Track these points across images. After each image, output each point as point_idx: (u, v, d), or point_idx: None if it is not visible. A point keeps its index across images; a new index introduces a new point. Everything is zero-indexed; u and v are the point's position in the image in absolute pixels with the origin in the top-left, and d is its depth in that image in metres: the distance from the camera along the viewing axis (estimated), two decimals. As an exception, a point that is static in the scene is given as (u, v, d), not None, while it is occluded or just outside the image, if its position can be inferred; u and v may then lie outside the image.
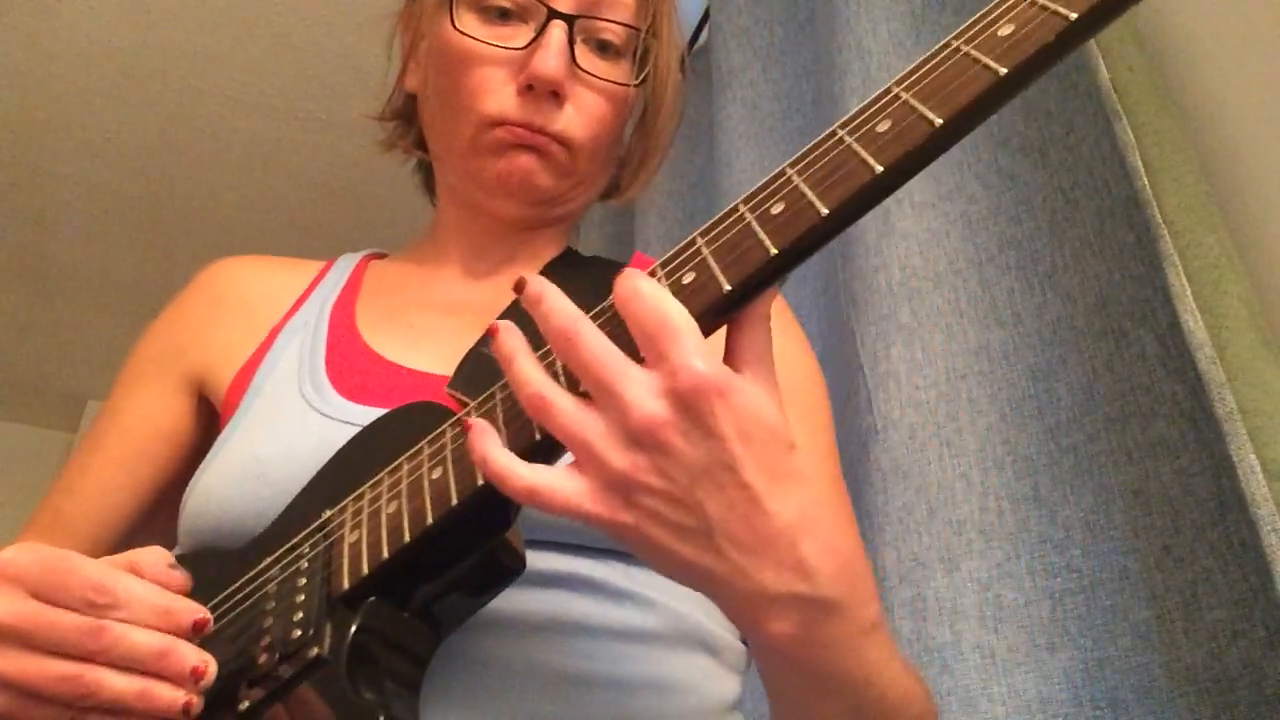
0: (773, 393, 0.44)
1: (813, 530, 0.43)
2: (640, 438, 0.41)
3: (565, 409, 0.43)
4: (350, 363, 0.70)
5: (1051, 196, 0.82)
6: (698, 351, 0.41)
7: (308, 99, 2.06)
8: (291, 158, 2.20)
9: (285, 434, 0.65)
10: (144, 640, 0.48)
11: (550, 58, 0.69)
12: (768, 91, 1.26)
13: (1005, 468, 0.80)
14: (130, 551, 0.53)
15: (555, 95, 0.71)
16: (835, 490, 0.69)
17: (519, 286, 0.47)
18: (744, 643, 0.69)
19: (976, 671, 0.75)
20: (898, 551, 0.82)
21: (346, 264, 0.84)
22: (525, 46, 0.71)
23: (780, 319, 0.76)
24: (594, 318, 0.47)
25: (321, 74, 2.00)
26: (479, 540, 0.51)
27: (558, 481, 0.43)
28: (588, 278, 0.74)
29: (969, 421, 0.83)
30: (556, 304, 0.45)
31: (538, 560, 0.56)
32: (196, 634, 0.50)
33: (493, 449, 0.45)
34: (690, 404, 0.41)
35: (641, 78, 0.77)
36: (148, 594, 0.50)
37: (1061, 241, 0.81)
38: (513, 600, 0.55)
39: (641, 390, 0.41)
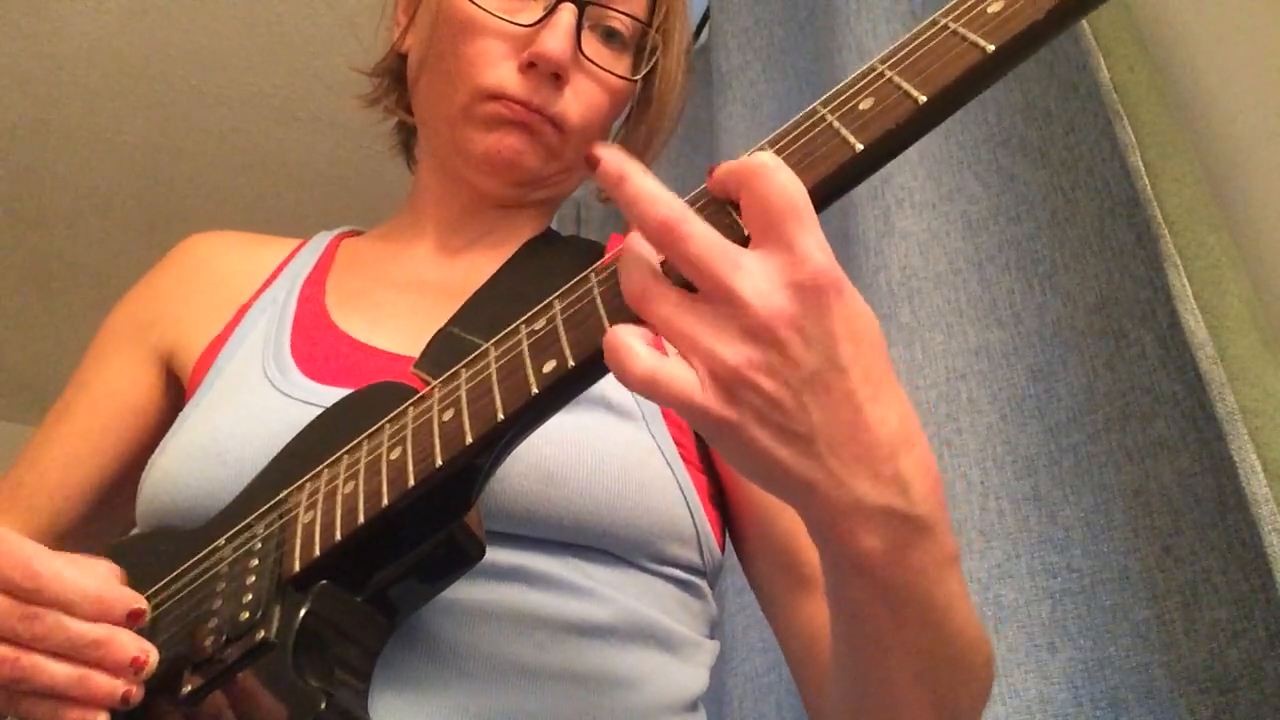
0: None
1: (912, 444, 0.41)
2: (757, 332, 0.38)
3: (670, 298, 0.40)
4: (316, 342, 0.69)
5: (1051, 196, 0.82)
6: (821, 244, 0.39)
7: (308, 99, 2.06)
8: (291, 158, 2.20)
9: (245, 413, 0.64)
10: (81, 629, 0.47)
11: (557, 39, 0.68)
12: (768, 91, 1.26)
13: (1005, 468, 0.80)
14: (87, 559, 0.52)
15: (556, 77, 0.70)
16: None
17: (592, 160, 0.42)
18: (711, 638, 0.68)
19: (976, 671, 0.75)
20: (898, 551, 0.82)
21: (320, 241, 0.83)
22: (533, 24, 0.70)
23: None
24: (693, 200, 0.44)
25: (321, 74, 2.00)
26: (436, 524, 0.49)
27: (673, 369, 0.40)
28: (566, 256, 0.74)
29: (969, 421, 0.83)
30: (652, 191, 0.41)
31: (494, 553, 0.56)
32: (132, 624, 0.49)
33: (626, 328, 0.41)
34: (812, 298, 0.38)
35: (642, 74, 0.77)
36: (80, 580, 0.49)
37: (1061, 241, 0.81)
38: (466, 590, 0.55)
39: (761, 282, 0.38)
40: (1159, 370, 0.71)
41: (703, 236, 0.39)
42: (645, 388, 0.40)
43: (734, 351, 0.39)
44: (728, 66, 1.30)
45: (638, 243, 0.42)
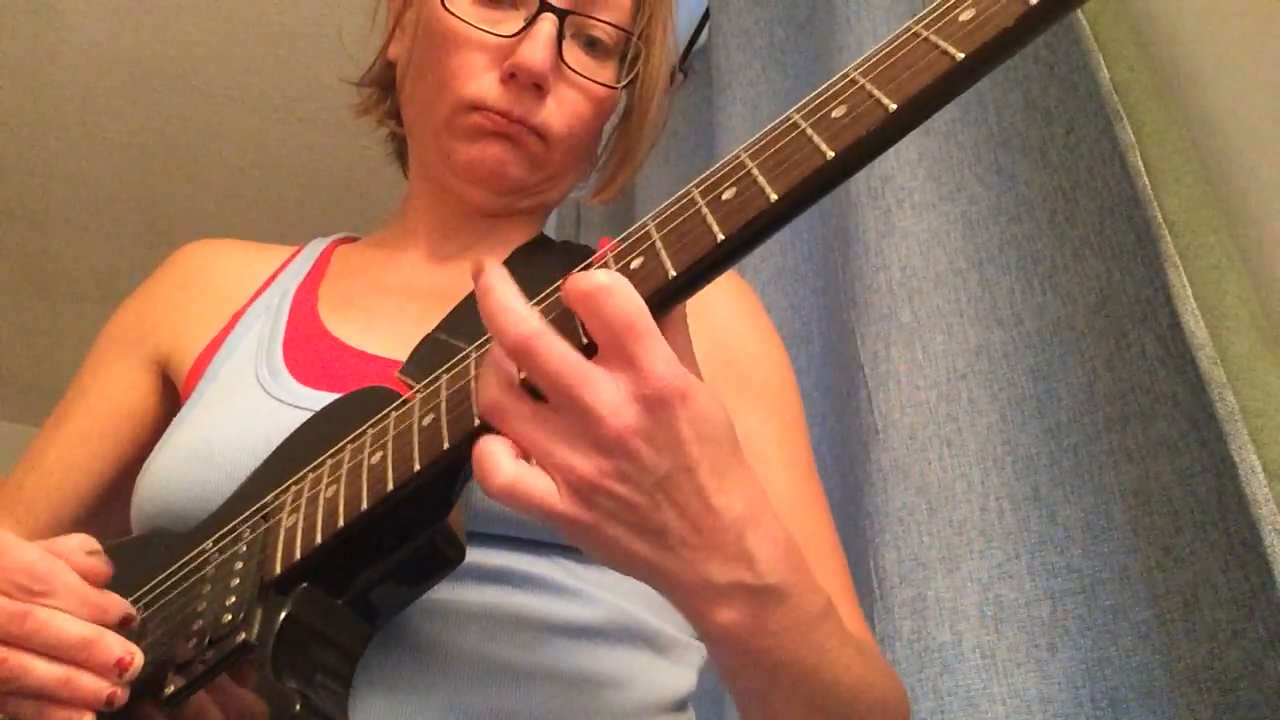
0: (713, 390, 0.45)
1: (758, 522, 0.44)
2: (610, 444, 0.42)
3: (523, 413, 0.43)
4: (308, 347, 0.70)
5: (1051, 196, 0.82)
6: (664, 356, 0.42)
7: (308, 99, 2.07)
8: (291, 158, 2.21)
9: (236, 417, 0.64)
10: (70, 629, 0.48)
11: (537, 50, 0.69)
12: (768, 91, 1.26)
13: (1005, 468, 0.80)
14: (54, 539, 0.53)
15: (538, 88, 0.71)
16: (810, 482, 0.70)
17: (476, 271, 0.46)
18: (699, 639, 0.69)
19: (977, 671, 0.75)
20: (898, 551, 0.82)
21: (314, 248, 0.84)
22: (513, 35, 0.70)
23: (751, 313, 0.76)
24: (543, 301, 0.47)
25: (321, 74, 2.00)
26: (416, 527, 0.50)
27: (532, 480, 0.43)
28: (556, 263, 0.74)
29: (969, 421, 0.83)
30: (511, 306, 0.43)
31: (480, 555, 0.57)
32: (123, 629, 0.50)
33: (493, 442, 0.44)
34: (657, 410, 0.41)
35: (626, 81, 0.77)
36: (80, 584, 0.50)
37: (1061, 241, 0.81)
38: (451, 592, 0.55)
39: (610, 398, 0.41)
40: (1159, 370, 0.71)
41: (557, 353, 0.42)
42: (505, 498, 0.43)
43: (588, 463, 0.42)
44: (728, 66, 1.30)
45: (497, 356, 0.45)
